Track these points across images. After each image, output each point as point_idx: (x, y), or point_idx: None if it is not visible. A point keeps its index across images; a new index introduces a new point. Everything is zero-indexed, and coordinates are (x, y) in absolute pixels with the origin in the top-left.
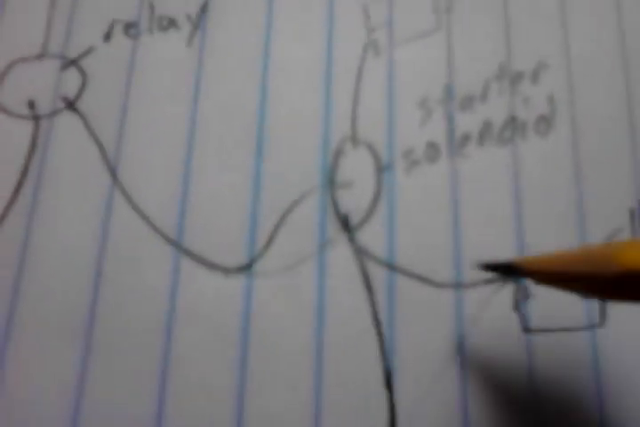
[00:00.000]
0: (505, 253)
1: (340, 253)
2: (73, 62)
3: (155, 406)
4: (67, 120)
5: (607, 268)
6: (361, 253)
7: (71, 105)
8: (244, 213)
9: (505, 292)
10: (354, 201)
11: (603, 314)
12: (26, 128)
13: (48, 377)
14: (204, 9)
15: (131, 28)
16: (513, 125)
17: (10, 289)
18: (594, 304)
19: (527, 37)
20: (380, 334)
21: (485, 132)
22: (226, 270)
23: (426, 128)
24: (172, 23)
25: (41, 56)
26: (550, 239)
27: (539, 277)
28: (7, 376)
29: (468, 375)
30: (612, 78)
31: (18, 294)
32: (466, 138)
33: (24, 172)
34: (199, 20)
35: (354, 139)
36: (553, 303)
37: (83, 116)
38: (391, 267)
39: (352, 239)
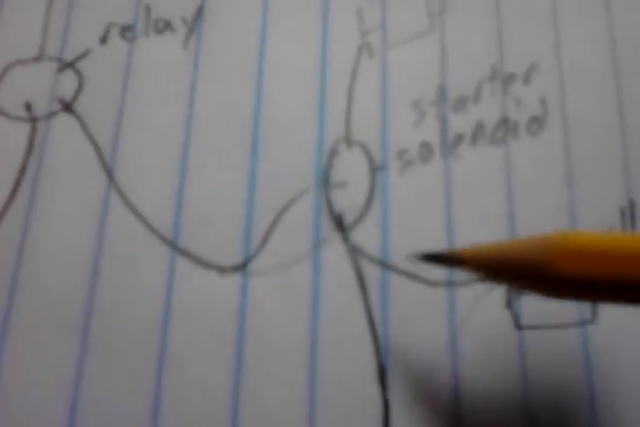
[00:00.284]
0: None
1: (335, 253)
2: (70, 65)
3: (151, 403)
4: (63, 122)
5: (542, 269)
6: (355, 252)
7: (68, 107)
8: (240, 212)
9: (497, 290)
10: (348, 201)
11: (594, 311)
12: (23, 130)
13: (45, 374)
14: (199, 12)
15: (127, 30)
16: (505, 126)
17: (7, 288)
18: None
19: (519, 39)
20: (373, 331)
21: (478, 132)
22: (221, 269)
23: (419, 129)
24: (167, 26)
25: (38, 58)
26: None
27: (476, 268)
28: (4, 373)
29: (460, 372)
30: (603, 80)
31: (15, 292)
32: (459, 138)
33: (21, 172)
34: (195, 22)
35: (348, 139)
36: (544, 301)
37: (79, 118)
38: (385, 266)
39: (346, 238)
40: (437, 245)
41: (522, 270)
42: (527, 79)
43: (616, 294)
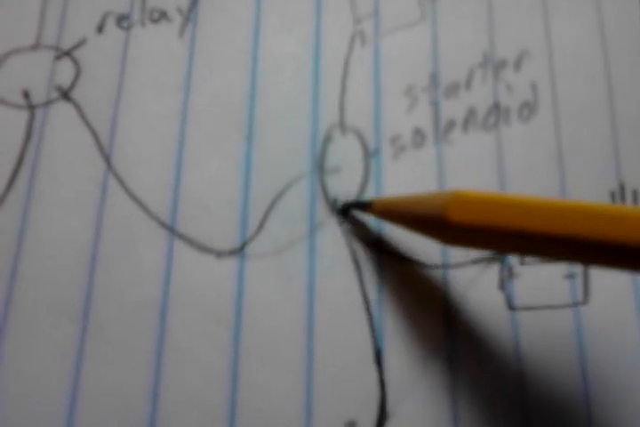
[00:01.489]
0: None
1: (330, 237)
2: (66, 53)
3: (150, 386)
4: (61, 109)
5: (437, 217)
6: (350, 235)
7: (65, 95)
8: (236, 197)
9: (491, 271)
10: (343, 186)
11: (586, 292)
12: (21, 117)
13: (46, 357)
14: (194, 2)
15: (123, 20)
16: (497, 112)
17: (8, 273)
18: (577, 283)
19: (510, 26)
20: (369, 313)
21: (470, 118)
22: (218, 253)
23: (412, 115)
24: (163, 15)
25: (35, 47)
26: None
27: (385, 215)
28: (6, 357)
29: (455, 352)
30: (592, 65)
31: (15, 278)
32: (451, 124)
33: (20, 159)
34: (190, 12)
35: (342, 126)
36: (537, 282)
37: (77, 106)
38: (379, 249)
39: (341, 223)
40: None
41: (420, 218)
42: (518, 65)
43: (502, 243)
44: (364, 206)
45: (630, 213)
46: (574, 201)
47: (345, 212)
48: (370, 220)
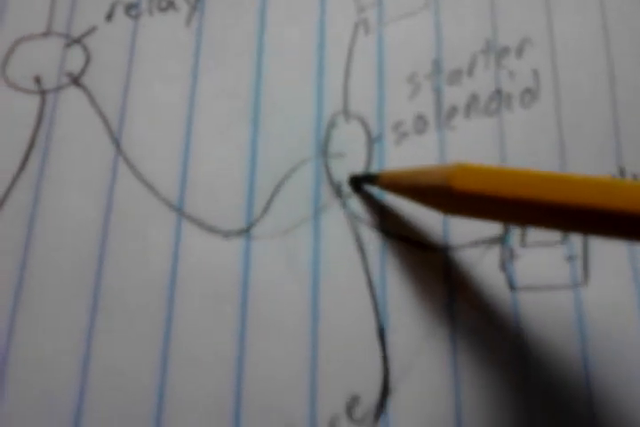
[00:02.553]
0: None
1: (334, 219)
2: (77, 41)
3: (158, 360)
4: (72, 95)
5: (442, 186)
6: (353, 218)
7: (76, 81)
8: (243, 181)
9: (492, 253)
10: (346, 170)
11: (585, 273)
12: (33, 102)
13: (57, 332)
14: None
15: (131, 8)
16: (499, 98)
17: (21, 253)
18: (577, 264)
19: (512, 14)
20: (372, 292)
21: (472, 104)
22: (225, 234)
23: (415, 101)
24: (170, 5)
25: (46, 34)
26: None
27: (391, 187)
28: (19, 332)
29: (457, 331)
30: (593, 52)
31: (28, 257)
32: (453, 110)
33: (31, 143)
34: (197, 1)
35: (346, 112)
36: (538, 264)
37: (87, 91)
38: (382, 231)
39: (345, 205)
40: (433, 216)
41: (425, 188)
42: (520, 52)
43: (504, 212)
44: (372, 179)
45: (628, 184)
46: (575, 173)
47: (355, 186)
48: (372, 203)
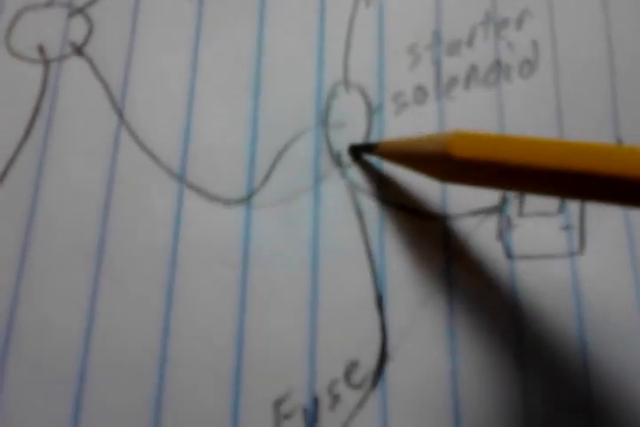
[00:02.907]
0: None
1: (334, 187)
2: (79, 10)
3: (160, 326)
4: (75, 64)
5: (440, 153)
6: (353, 187)
7: (79, 50)
8: (244, 150)
9: (489, 222)
10: (346, 140)
11: (582, 242)
12: (36, 71)
13: (62, 298)
14: None
15: None
16: (498, 69)
17: (25, 219)
18: (574, 234)
19: None
20: (371, 261)
21: (472, 75)
22: (226, 202)
23: (415, 72)
24: None
25: (49, 4)
26: None
27: (390, 156)
28: (24, 298)
29: (454, 299)
30: (592, 24)
31: (32, 223)
32: (453, 81)
33: (35, 112)
34: None
35: (346, 83)
36: (535, 233)
37: (90, 61)
38: (381, 200)
39: (344, 175)
40: (431, 185)
41: (423, 156)
42: (519, 24)
43: (502, 179)
44: (372, 149)
45: (626, 149)
46: (572, 140)
47: (354, 156)
48: (371, 172)
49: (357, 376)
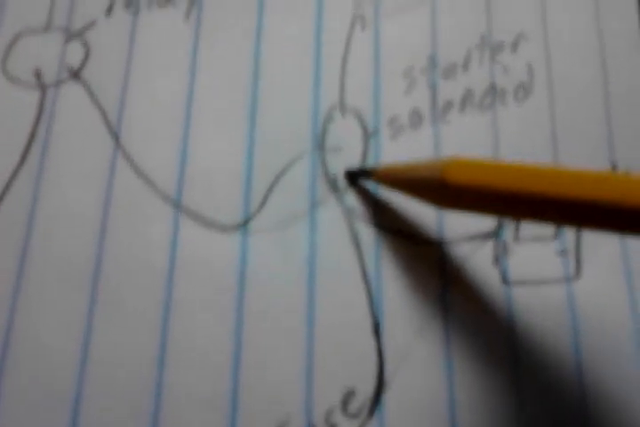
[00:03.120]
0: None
1: (330, 213)
2: (77, 35)
3: (156, 352)
4: (71, 89)
5: (436, 180)
6: (349, 212)
7: (75, 75)
8: (240, 175)
9: (485, 248)
10: (342, 164)
11: (578, 267)
12: (33, 96)
13: (57, 324)
14: None
15: (130, 3)
16: (493, 93)
17: (20, 244)
18: (570, 258)
19: (507, 9)
20: (367, 286)
21: (467, 99)
22: (223, 228)
23: (410, 96)
24: (169, 0)
25: (46, 29)
26: None
27: (386, 181)
28: (19, 321)
29: (451, 325)
30: (587, 48)
31: (27, 248)
32: (448, 105)
33: (31, 137)
34: None
35: (342, 106)
36: (531, 258)
37: (86, 86)
38: (378, 225)
39: (341, 200)
40: (428, 211)
41: (419, 182)
42: (514, 48)
43: (497, 206)
44: (368, 174)
45: (620, 178)
46: (567, 167)
47: (350, 181)
48: (368, 197)
49: (354, 405)
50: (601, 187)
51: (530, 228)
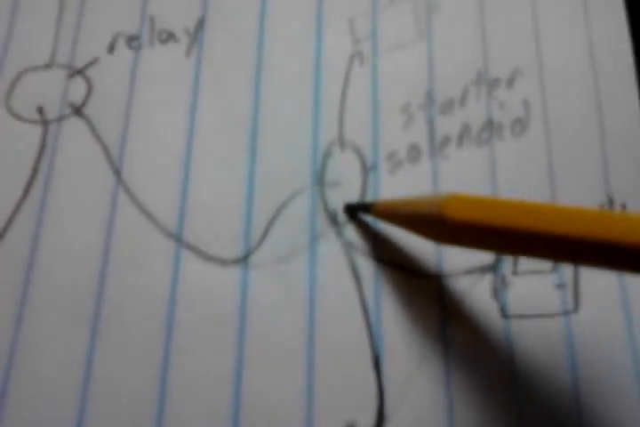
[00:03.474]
0: None
1: (330, 247)
2: (79, 72)
3: (157, 386)
4: (74, 125)
5: (435, 216)
6: (349, 246)
7: (78, 111)
8: (240, 209)
9: (484, 281)
10: (342, 199)
11: (576, 301)
12: (35, 132)
13: (57, 361)
14: (201, 24)
15: (133, 40)
16: (490, 128)
17: (22, 280)
18: (568, 292)
19: (503, 46)
20: (367, 320)
21: (464, 134)
22: (223, 262)
23: (408, 131)
24: (171, 36)
25: (49, 65)
26: None
27: (385, 216)
28: (18, 360)
29: (450, 358)
30: (582, 83)
31: (29, 284)
32: (446, 140)
33: (33, 172)
34: (196, 33)
35: (341, 142)
36: (529, 292)
37: (89, 122)
38: (377, 259)
39: (340, 234)
40: (426, 245)
41: (418, 217)
42: (511, 83)
43: (496, 242)
44: (367, 208)
45: (617, 216)
46: (564, 204)
47: (350, 215)
48: (367, 232)
49: None
50: (598, 225)
51: (528, 261)
